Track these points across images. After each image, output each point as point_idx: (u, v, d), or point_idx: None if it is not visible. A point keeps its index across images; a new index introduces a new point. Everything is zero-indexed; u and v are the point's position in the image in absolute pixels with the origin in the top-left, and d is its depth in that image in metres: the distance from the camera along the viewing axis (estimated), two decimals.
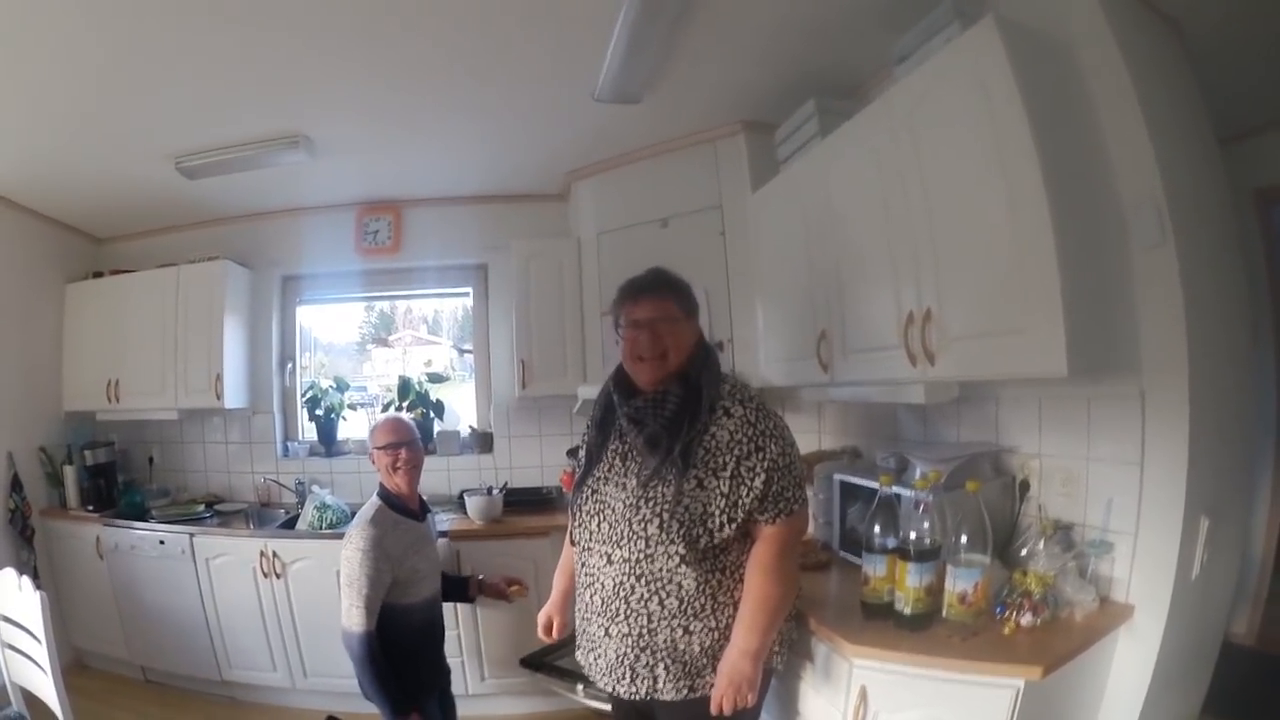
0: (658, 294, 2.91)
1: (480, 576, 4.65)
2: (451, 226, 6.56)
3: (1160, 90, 2.91)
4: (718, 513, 2.70)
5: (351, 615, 3.61)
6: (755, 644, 2.69)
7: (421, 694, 3.89)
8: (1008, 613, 2.82)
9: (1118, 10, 2.84)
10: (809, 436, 4.99)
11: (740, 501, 2.70)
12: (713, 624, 2.76)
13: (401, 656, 3.76)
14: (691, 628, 2.75)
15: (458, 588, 4.56)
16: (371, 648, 3.60)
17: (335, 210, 6.56)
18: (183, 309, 6.16)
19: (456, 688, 4.41)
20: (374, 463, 4.05)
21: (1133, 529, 2.88)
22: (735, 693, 2.67)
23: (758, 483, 2.69)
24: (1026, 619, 2.78)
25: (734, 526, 2.71)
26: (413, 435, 4.13)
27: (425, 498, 4.30)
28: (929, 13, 3.29)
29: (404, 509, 3.99)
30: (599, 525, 2.88)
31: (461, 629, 5.15)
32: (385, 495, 3.99)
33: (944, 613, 2.87)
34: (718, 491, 2.70)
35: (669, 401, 2.78)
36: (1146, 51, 2.93)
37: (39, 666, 3.30)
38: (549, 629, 3.41)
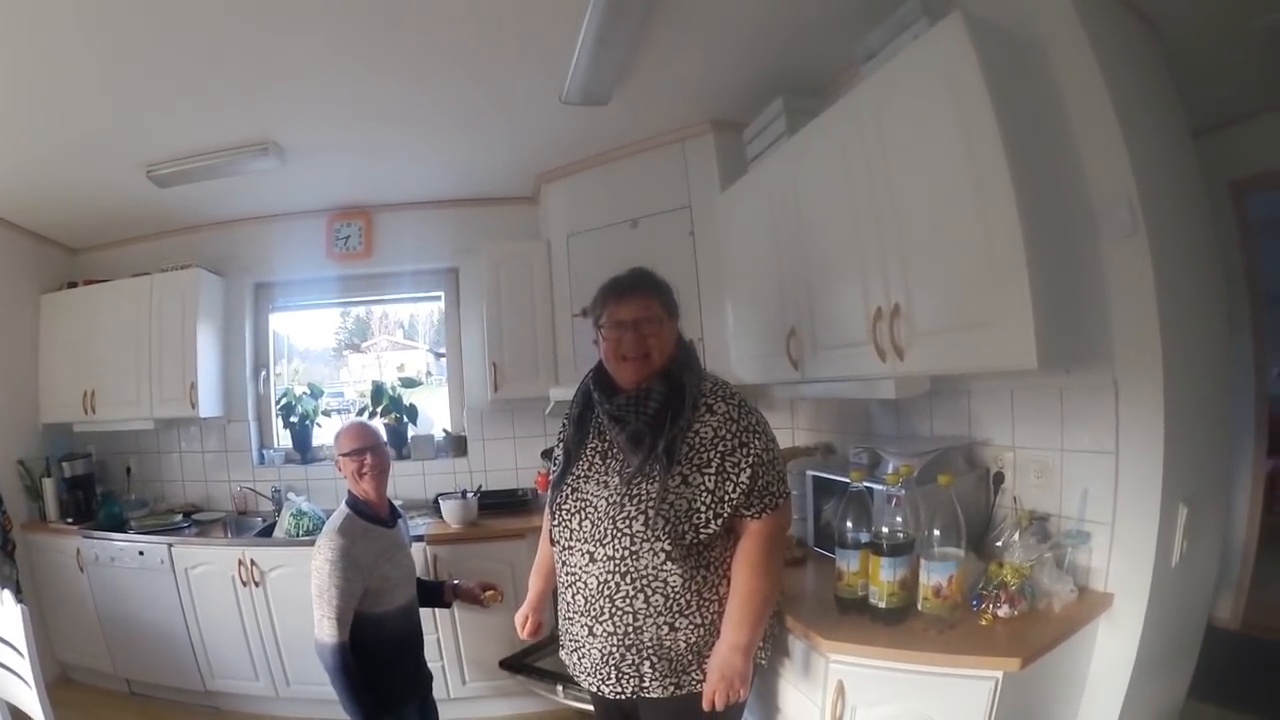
0: (642, 294, 2.92)
1: (455, 582, 4.61)
2: (422, 231, 6.57)
3: (1132, 84, 2.93)
4: (703, 509, 2.71)
5: (323, 626, 3.57)
6: (745, 639, 2.69)
7: (400, 703, 3.87)
8: (984, 605, 2.84)
9: (1089, 6, 2.85)
10: (782, 433, 5.00)
11: (726, 497, 2.71)
12: (698, 620, 2.76)
13: (377, 666, 3.72)
14: (677, 624, 2.74)
15: (433, 593, 4.50)
16: (344, 659, 3.56)
17: (306, 216, 6.56)
18: (156, 318, 6.14)
19: (438, 692, 4.38)
20: (340, 470, 3.99)
21: (1109, 518, 2.90)
22: (728, 687, 2.67)
23: (743, 478, 2.70)
24: (1003, 610, 2.79)
25: (720, 522, 2.72)
26: (377, 440, 4.08)
27: (398, 503, 4.27)
28: (896, 9, 3.31)
29: (373, 516, 3.93)
30: (580, 524, 2.87)
31: (440, 633, 5.14)
32: (353, 503, 3.93)
33: (919, 606, 2.88)
34: (703, 488, 2.70)
35: (652, 399, 2.79)
36: (1118, 46, 2.95)
37: (23, 681, 3.27)
38: (530, 629, 3.39)
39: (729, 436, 2.72)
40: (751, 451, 2.72)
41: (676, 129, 5.02)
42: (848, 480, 3.18)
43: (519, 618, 3.41)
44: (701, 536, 2.72)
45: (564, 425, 3.14)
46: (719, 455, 2.71)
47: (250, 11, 3.42)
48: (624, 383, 2.91)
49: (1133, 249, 2.77)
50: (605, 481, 2.84)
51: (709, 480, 2.70)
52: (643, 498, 2.71)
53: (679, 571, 2.71)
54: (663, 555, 2.69)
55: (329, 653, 3.54)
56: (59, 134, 4.55)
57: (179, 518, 6.12)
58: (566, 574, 2.94)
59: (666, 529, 2.68)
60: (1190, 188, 3.28)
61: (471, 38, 3.79)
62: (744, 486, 2.70)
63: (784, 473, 2.86)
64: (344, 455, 3.93)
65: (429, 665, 4.26)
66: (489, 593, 4.50)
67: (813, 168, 3.67)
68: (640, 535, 2.70)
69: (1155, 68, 3.23)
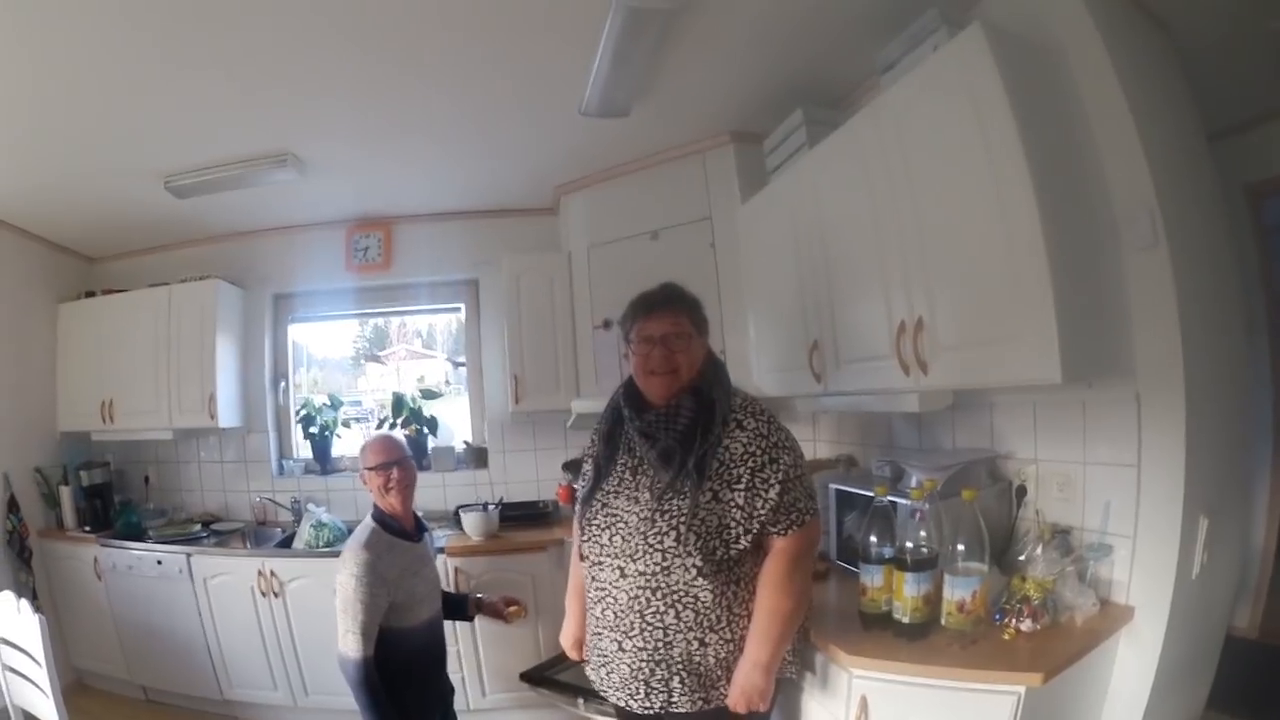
0: (671, 309, 2.93)
1: (479, 596, 4.56)
2: (442, 242, 6.56)
3: (1149, 90, 2.91)
4: (734, 525, 2.70)
5: (347, 641, 3.53)
6: (766, 656, 2.68)
7: (422, 715, 3.85)
8: (1007, 619, 2.82)
9: (1104, 12, 2.84)
10: (804, 446, 4.91)
11: (755, 513, 2.70)
12: (728, 635, 2.76)
13: (401, 679, 3.69)
14: (707, 639, 2.74)
15: (457, 607, 4.45)
16: (368, 674, 3.52)
17: (325, 228, 6.57)
18: (175, 328, 6.16)
19: (457, 704, 4.37)
20: (365, 483, 3.94)
21: (1131, 531, 2.88)
22: (747, 702, 2.68)
23: (772, 494, 2.69)
24: (1026, 625, 2.78)
25: (750, 538, 2.72)
26: (404, 453, 4.02)
27: (421, 515, 4.21)
28: (915, 20, 3.30)
29: (399, 530, 3.88)
30: (611, 539, 2.86)
31: (461, 645, 5.13)
32: (379, 516, 3.88)
33: (942, 621, 2.87)
34: (733, 504, 2.70)
35: (681, 415, 2.79)
36: (1134, 52, 2.93)
37: (39, 689, 3.29)
38: (577, 648, 3.34)
39: (759, 453, 2.72)
40: (781, 467, 2.72)
41: (696, 140, 5.02)
42: (870, 494, 3.18)
43: (567, 640, 3.37)
44: (732, 552, 2.72)
45: (592, 440, 3.14)
46: (749, 471, 2.70)
47: (269, 24, 3.44)
48: (653, 398, 2.91)
49: (1154, 260, 2.75)
50: (636, 497, 2.83)
51: (739, 496, 2.70)
52: (674, 513, 2.71)
53: (709, 587, 2.70)
54: (694, 571, 2.69)
55: (353, 667, 3.51)
56: (78, 144, 4.58)
57: (198, 527, 6.13)
58: (596, 589, 2.93)
59: (698, 544, 2.68)
60: (1208, 194, 3.26)
61: (490, 50, 3.79)
62: (773, 502, 2.69)
63: (812, 489, 2.85)
64: (370, 469, 3.88)
65: (450, 677, 4.24)
66: (513, 609, 4.45)
67: (834, 179, 3.67)
68: (672, 551, 2.70)
69: (1170, 71, 3.21)
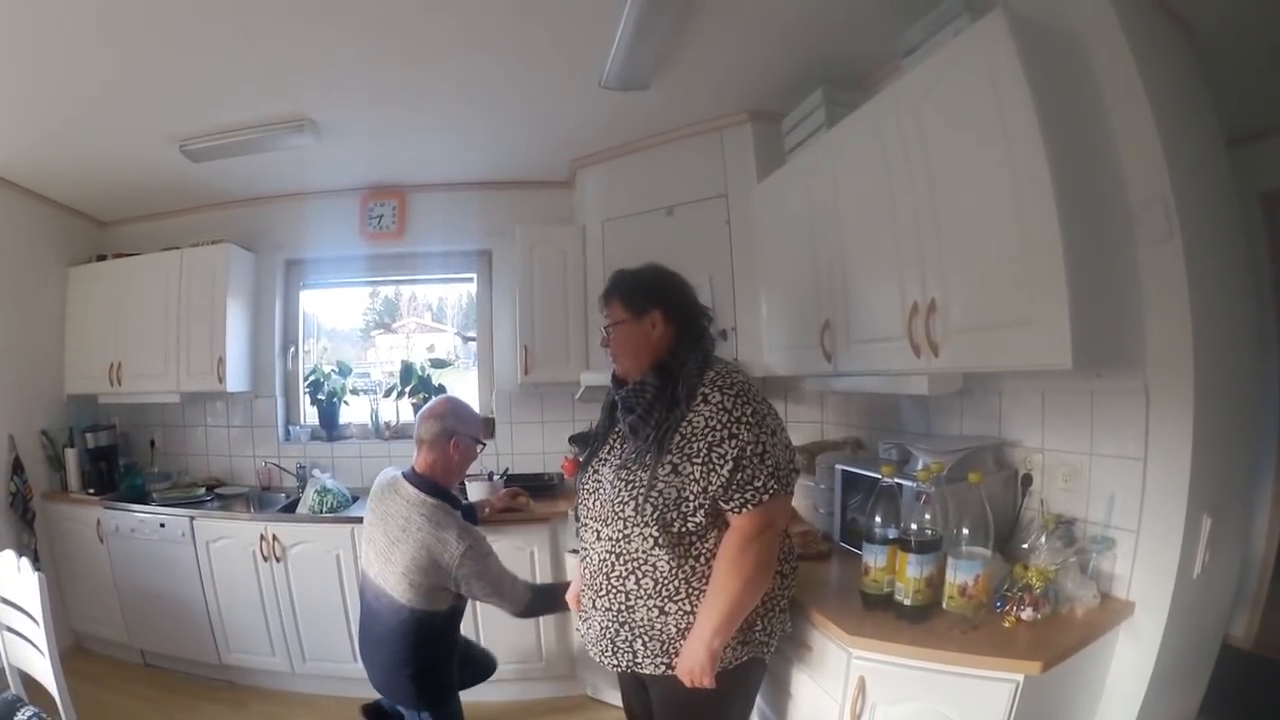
0: (606, 301, 3.09)
1: (487, 509, 4.81)
2: (456, 212, 6.57)
3: (1169, 87, 2.90)
4: (691, 498, 2.73)
5: (515, 592, 3.73)
6: (709, 632, 2.69)
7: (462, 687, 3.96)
8: (1008, 606, 2.83)
9: (1127, 6, 2.82)
10: (812, 426, 5.03)
11: (709, 488, 2.71)
12: (687, 607, 2.78)
13: (454, 652, 3.84)
14: (667, 609, 2.79)
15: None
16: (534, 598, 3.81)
17: (340, 195, 6.57)
18: (185, 292, 6.16)
19: None
20: (452, 451, 3.79)
21: (1135, 526, 2.88)
22: (689, 676, 2.72)
23: (725, 470, 2.68)
24: (1027, 613, 2.78)
25: (704, 513, 2.74)
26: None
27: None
28: (938, 4, 3.30)
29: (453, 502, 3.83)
30: (594, 503, 2.96)
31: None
32: (446, 494, 3.76)
33: (944, 604, 2.88)
34: (691, 477, 2.72)
35: (646, 390, 2.86)
36: (1156, 46, 2.92)
37: (37, 649, 3.29)
38: (575, 602, 3.38)
39: (719, 427, 2.71)
40: (738, 444, 2.69)
41: (715, 117, 5.01)
42: (876, 476, 3.19)
43: (570, 595, 3.45)
44: (689, 525, 2.75)
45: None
46: (707, 445, 2.71)
47: None
48: (622, 375, 3.05)
49: (1168, 253, 2.74)
50: (614, 465, 2.91)
51: (696, 470, 2.71)
52: (635, 484, 2.78)
53: (667, 558, 2.76)
54: (650, 540, 2.76)
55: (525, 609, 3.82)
56: (91, 107, 4.56)
57: (202, 491, 6.15)
58: (583, 548, 3.05)
59: (654, 516, 2.74)
60: (1224, 194, 3.24)
61: (510, 20, 3.77)
62: (724, 479, 2.69)
63: (779, 469, 2.77)
64: (474, 439, 3.89)
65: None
66: (520, 498, 4.76)
67: (851, 160, 3.65)
68: (631, 519, 2.78)
69: (1191, 71, 3.19)
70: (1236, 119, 3.54)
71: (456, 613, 3.76)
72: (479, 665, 4.29)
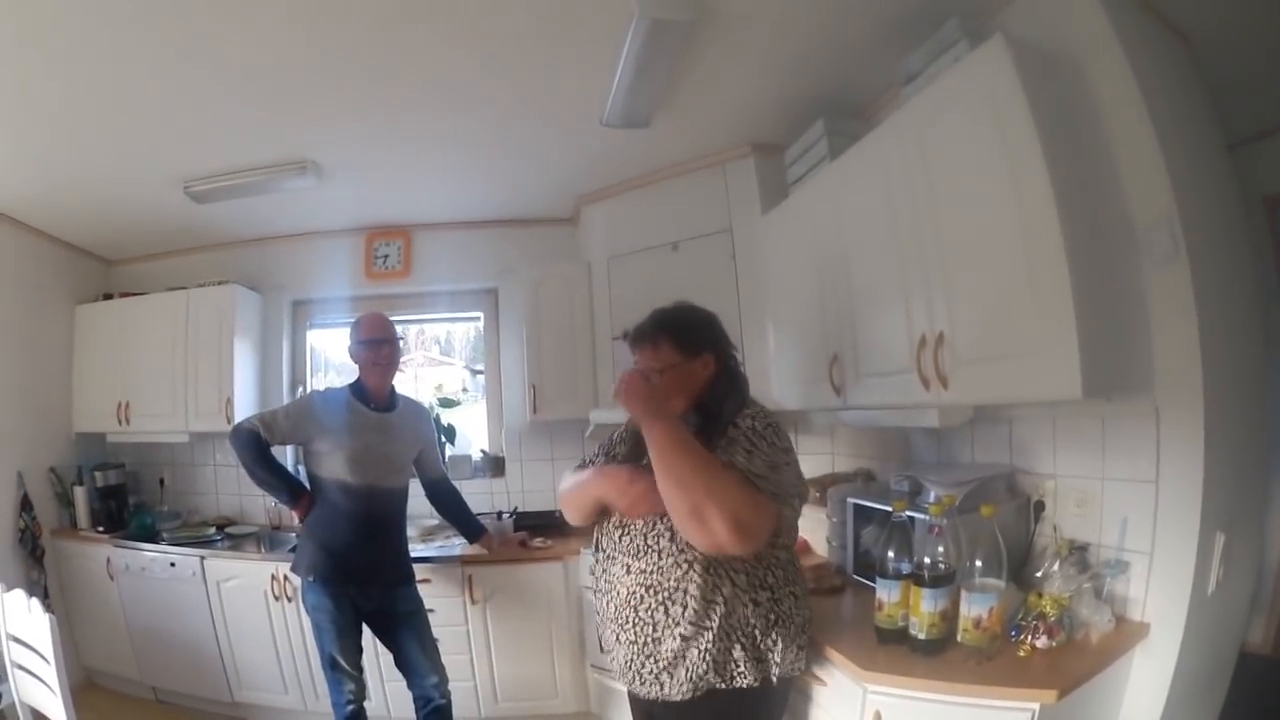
0: (651, 345, 2.98)
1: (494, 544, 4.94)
2: (462, 251, 6.59)
3: (1169, 101, 2.90)
4: None
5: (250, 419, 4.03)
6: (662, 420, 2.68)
7: (341, 582, 4.20)
8: (1023, 635, 2.81)
9: (1124, 22, 2.84)
10: (822, 459, 4.99)
11: None
12: (716, 632, 2.74)
13: (321, 528, 4.19)
14: (694, 637, 2.74)
15: (471, 528, 4.95)
16: (246, 438, 4.11)
17: (345, 235, 6.61)
18: (192, 332, 6.19)
19: (469, 709, 4.37)
20: (353, 359, 4.29)
21: (1148, 547, 2.87)
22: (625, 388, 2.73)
23: (739, 457, 2.66)
24: (1042, 641, 2.77)
25: None
26: (394, 334, 4.34)
27: (399, 392, 4.56)
28: (936, 31, 3.31)
29: (365, 399, 4.25)
30: (621, 537, 2.90)
31: (474, 651, 5.17)
32: (355, 386, 4.29)
33: (959, 637, 2.85)
34: None
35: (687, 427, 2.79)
36: (1154, 62, 2.93)
37: (48, 687, 3.29)
38: None
39: (743, 440, 2.71)
40: (759, 451, 2.69)
41: (717, 151, 5.02)
42: (888, 508, 3.17)
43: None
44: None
45: (624, 437, 3.18)
46: (730, 448, 2.71)
47: (292, 37, 3.48)
48: None
49: (1174, 274, 2.73)
50: None
51: None
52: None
53: (699, 581, 2.71)
54: (685, 566, 2.72)
55: (240, 432, 4.16)
56: (98, 148, 4.60)
57: (212, 530, 6.13)
58: (605, 582, 2.98)
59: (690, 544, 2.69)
60: (1229, 206, 3.25)
61: (512, 60, 3.81)
62: (739, 463, 2.65)
63: (783, 485, 2.72)
64: (362, 343, 4.15)
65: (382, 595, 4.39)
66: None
67: (855, 191, 3.66)
68: (666, 550, 2.74)
69: (1190, 81, 3.20)
70: (1238, 121, 3.55)
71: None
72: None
